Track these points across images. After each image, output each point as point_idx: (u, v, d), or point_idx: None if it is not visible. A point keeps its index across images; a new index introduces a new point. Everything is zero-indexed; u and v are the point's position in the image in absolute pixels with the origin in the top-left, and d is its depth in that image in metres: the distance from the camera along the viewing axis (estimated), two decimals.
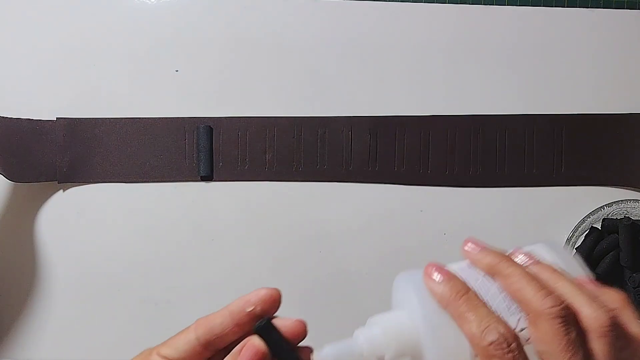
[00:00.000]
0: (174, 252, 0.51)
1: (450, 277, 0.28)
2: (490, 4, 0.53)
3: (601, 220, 0.52)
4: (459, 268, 0.30)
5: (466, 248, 0.30)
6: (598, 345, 0.26)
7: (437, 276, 0.29)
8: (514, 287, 0.27)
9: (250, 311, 0.29)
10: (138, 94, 0.51)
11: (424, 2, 0.53)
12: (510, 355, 0.25)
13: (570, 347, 0.25)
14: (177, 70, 0.52)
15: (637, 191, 0.55)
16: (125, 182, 0.51)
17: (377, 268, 0.52)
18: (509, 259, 0.29)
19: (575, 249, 0.52)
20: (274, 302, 0.30)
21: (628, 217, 0.51)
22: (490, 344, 0.26)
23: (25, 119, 0.50)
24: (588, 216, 0.51)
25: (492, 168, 0.53)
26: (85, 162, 0.51)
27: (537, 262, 0.29)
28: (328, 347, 0.29)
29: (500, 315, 0.27)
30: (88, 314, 0.50)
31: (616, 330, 0.26)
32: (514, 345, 0.26)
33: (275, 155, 0.52)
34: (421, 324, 0.28)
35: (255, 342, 0.29)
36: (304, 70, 0.52)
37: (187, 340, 0.30)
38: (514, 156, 0.53)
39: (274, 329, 0.29)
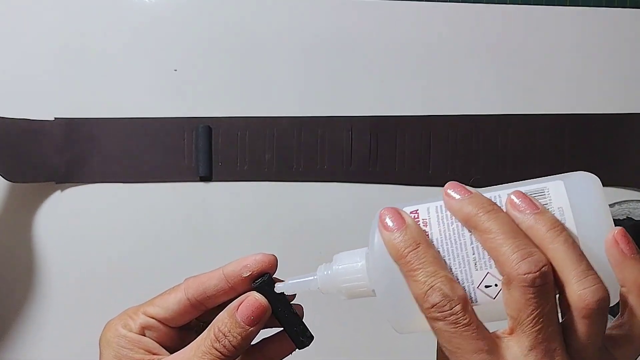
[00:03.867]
0: (173, 252, 0.51)
1: (402, 226, 0.25)
2: (491, 3, 0.53)
3: None
4: (436, 207, 0.27)
5: (447, 192, 0.26)
6: (580, 325, 0.23)
7: (390, 223, 0.26)
8: (489, 245, 0.24)
9: (247, 276, 0.29)
10: (136, 93, 0.51)
11: (425, 1, 0.53)
12: (452, 318, 0.23)
13: (540, 321, 0.23)
14: (175, 70, 0.51)
15: (639, 191, 0.54)
16: (123, 183, 0.51)
17: None
18: (491, 208, 0.25)
19: None
20: (271, 267, 0.29)
21: (630, 217, 0.51)
22: (432, 306, 0.24)
23: (23, 119, 0.50)
24: None
25: (492, 168, 0.53)
26: (84, 163, 0.50)
27: (537, 212, 0.25)
28: (290, 279, 0.29)
29: (464, 269, 0.25)
30: (86, 315, 0.50)
31: (603, 314, 0.23)
32: (457, 307, 0.23)
33: (275, 155, 0.51)
34: (372, 275, 0.27)
35: (256, 297, 0.28)
36: (304, 70, 0.52)
37: (177, 300, 0.30)
38: (514, 156, 0.53)
39: (273, 286, 0.29)
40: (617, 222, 0.51)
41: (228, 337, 0.28)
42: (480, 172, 0.53)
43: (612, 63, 0.54)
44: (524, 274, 0.23)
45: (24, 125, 0.49)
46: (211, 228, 0.52)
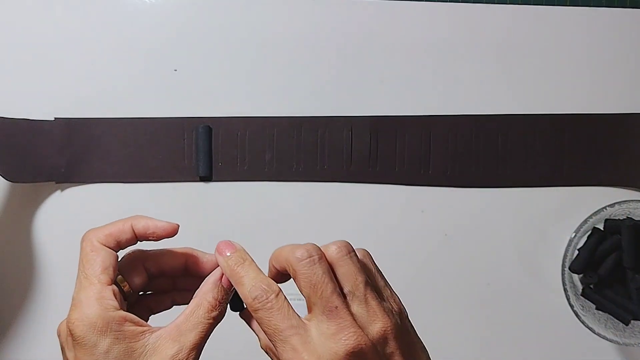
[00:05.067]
0: None
1: (233, 250, 0.34)
2: (490, 3, 0.53)
3: (603, 221, 0.52)
4: None
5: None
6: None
7: (224, 249, 0.34)
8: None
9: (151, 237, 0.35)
10: (137, 93, 0.51)
11: (425, 1, 0.53)
12: (269, 304, 0.30)
13: (320, 289, 0.30)
14: (175, 70, 0.51)
15: (639, 191, 0.54)
16: (123, 182, 0.51)
17: None
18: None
19: (578, 249, 0.51)
20: (173, 234, 0.36)
21: (630, 217, 0.51)
22: (254, 299, 0.30)
23: (23, 119, 0.50)
24: (590, 217, 0.50)
25: (492, 168, 0.53)
26: (84, 162, 0.50)
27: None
28: None
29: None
30: None
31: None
32: (272, 296, 0.30)
33: (275, 155, 0.51)
34: None
35: None
36: (304, 70, 0.52)
37: (107, 256, 0.33)
38: (514, 156, 0.53)
39: None
40: (617, 223, 0.51)
41: (222, 304, 0.33)
42: (481, 172, 0.53)
43: (612, 63, 0.54)
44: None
45: (24, 126, 0.50)
46: (211, 228, 0.52)
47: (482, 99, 0.53)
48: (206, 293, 0.33)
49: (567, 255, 0.50)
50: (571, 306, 0.50)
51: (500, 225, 0.54)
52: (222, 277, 0.33)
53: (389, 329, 0.29)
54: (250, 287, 0.31)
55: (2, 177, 0.47)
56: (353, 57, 0.52)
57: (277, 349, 0.29)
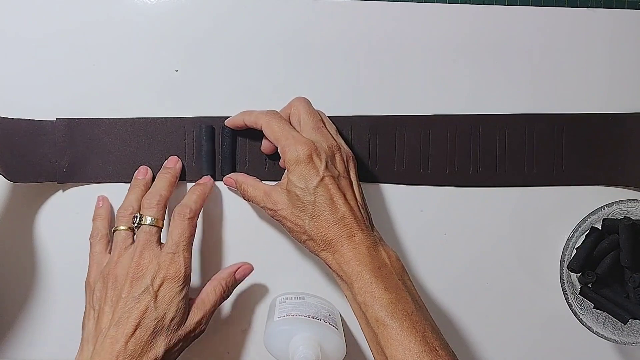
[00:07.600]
0: None
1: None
2: (490, 4, 0.53)
3: (601, 221, 0.52)
4: None
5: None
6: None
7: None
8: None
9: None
10: (138, 94, 0.51)
11: (424, 2, 0.53)
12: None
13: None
14: (177, 70, 0.51)
15: (637, 191, 0.55)
16: (125, 183, 0.51)
17: None
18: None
19: (576, 249, 0.51)
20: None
21: (628, 217, 0.51)
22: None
23: (24, 120, 0.50)
24: (588, 216, 0.51)
25: (492, 168, 0.53)
26: (85, 162, 0.51)
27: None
28: None
29: None
30: None
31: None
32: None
33: (275, 155, 0.52)
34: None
35: (249, 265, 0.50)
36: (303, 70, 0.52)
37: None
38: (514, 156, 0.53)
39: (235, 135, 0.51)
40: (615, 222, 0.51)
41: (230, 288, 0.49)
42: (479, 172, 0.53)
43: (612, 63, 0.54)
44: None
45: (26, 126, 0.50)
46: (212, 228, 0.52)
47: (481, 98, 0.53)
48: (222, 279, 0.48)
49: (565, 255, 0.51)
50: (569, 305, 0.50)
51: (499, 224, 0.54)
52: (236, 271, 0.49)
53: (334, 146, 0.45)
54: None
55: (4, 177, 0.47)
56: (352, 57, 0.53)
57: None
